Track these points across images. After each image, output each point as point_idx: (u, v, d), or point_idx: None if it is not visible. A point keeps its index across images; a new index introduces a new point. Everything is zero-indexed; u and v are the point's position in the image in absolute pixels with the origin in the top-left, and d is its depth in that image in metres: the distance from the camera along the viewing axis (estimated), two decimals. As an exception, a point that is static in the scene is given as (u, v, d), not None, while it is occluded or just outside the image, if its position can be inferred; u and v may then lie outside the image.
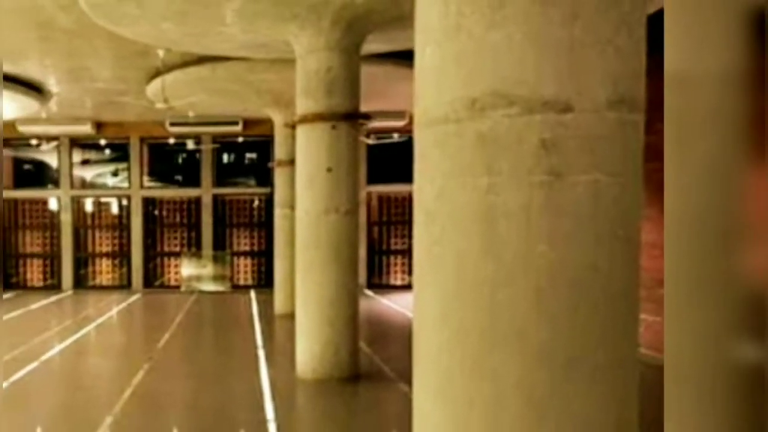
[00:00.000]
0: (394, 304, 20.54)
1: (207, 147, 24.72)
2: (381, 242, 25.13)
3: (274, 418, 9.09)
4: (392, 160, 23.53)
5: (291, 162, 16.44)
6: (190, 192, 25.37)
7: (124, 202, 25.54)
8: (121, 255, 25.63)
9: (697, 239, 2.86)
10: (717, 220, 2.84)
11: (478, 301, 3.46)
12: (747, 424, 2.83)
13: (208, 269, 24.86)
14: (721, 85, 2.77)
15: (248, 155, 28.31)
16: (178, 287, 24.97)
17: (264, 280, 24.84)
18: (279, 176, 18.85)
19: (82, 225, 25.61)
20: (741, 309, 2.83)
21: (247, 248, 25.53)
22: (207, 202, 24.92)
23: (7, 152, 25.90)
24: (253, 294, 23.41)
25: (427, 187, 3.69)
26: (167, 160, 28.71)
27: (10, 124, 22.42)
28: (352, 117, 11.00)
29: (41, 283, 25.62)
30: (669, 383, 2.93)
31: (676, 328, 2.91)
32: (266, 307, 19.79)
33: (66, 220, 25.10)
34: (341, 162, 10.90)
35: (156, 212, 25.64)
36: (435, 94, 3.61)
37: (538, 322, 3.35)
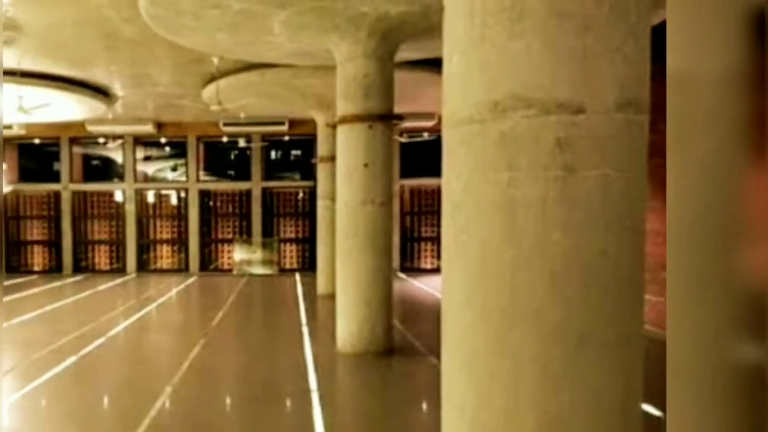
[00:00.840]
0: (425, 286, 20.53)
1: (256, 145, 24.84)
2: (412, 230, 25.16)
3: (316, 388, 9.13)
4: (422, 156, 23.49)
5: (332, 158, 16.46)
6: (242, 185, 25.51)
7: (182, 194, 25.76)
8: (180, 242, 25.83)
9: (697, 238, 2.80)
10: (717, 219, 2.75)
11: (499, 284, 3.48)
12: (747, 422, 2.74)
13: (258, 254, 24.96)
14: (721, 85, 2.69)
15: (293, 152, 28.46)
16: (230, 271, 25.11)
17: (308, 264, 24.95)
18: (321, 171, 18.88)
19: (144, 215, 25.83)
20: (741, 308, 2.72)
21: (293, 236, 25.63)
22: (256, 194, 25.05)
23: (77, 149, 26.24)
24: (297, 277, 23.49)
25: (454, 181, 3.70)
26: (221, 157, 28.90)
27: (80, 124, 22.72)
28: (386, 118, 11.02)
29: (108, 267, 25.89)
30: (670, 381, 2.84)
31: (678, 326, 2.81)
32: (310, 288, 19.85)
33: (130, 210, 25.33)
34: (377, 158, 10.93)
35: (211, 203, 25.81)
36: (461, 98, 3.62)
37: (553, 302, 3.36)
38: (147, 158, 29.81)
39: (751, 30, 2.62)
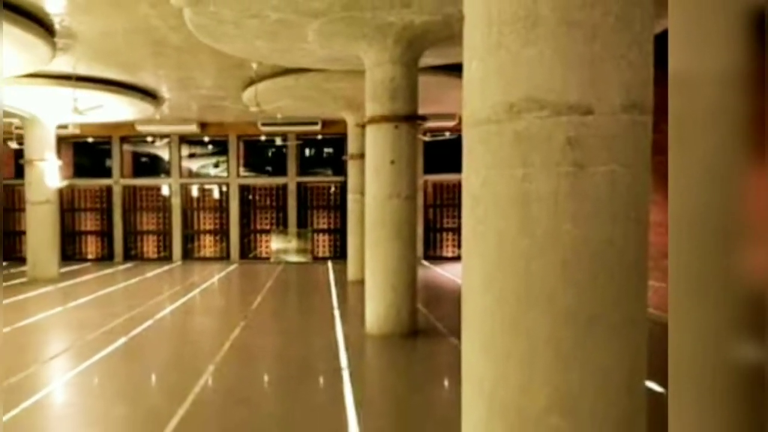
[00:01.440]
0: (446, 273, 20.50)
1: (292, 143, 24.91)
2: (435, 221, 25.13)
3: (347, 366, 9.18)
4: (444, 154, 23.50)
5: (361, 156, 16.53)
6: (278, 180, 25.60)
7: (224, 188, 25.86)
8: (221, 232, 25.97)
9: (698, 238, 2.72)
10: (717, 219, 2.66)
11: (515, 271, 3.49)
12: (747, 422, 2.63)
13: (293, 244, 25.07)
14: (721, 85, 2.60)
15: (326, 150, 28.43)
16: (268, 259, 25.26)
17: (339, 253, 25.04)
18: (351, 167, 18.90)
19: (189, 207, 25.98)
20: (741, 308, 2.62)
21: (325, 226, 25.69)
22: (292, 188, 25.14)
23: (127, 147, 26.47)
24: (329, 264, 23.53)
25: (473, 176, 3.72)
26: (259, 154, 28.93)
27: (130, 125, 22.97)
28: (411, 118, 11.03)
29: (155, 255, 26.10)
30: (671, 381, 2.75)
31: (679, 326, 2.73)
32: (341, 275, 19.89)
33: (176, 203, 25.53)
34: (402, 155, 10.96)
35: (250, 197, 25.90)
36: (480, 100, 3.64)
37: (564, 288, 3.37)
38: (191, 155, 29.92)
39: (751, 30, 2.52)
